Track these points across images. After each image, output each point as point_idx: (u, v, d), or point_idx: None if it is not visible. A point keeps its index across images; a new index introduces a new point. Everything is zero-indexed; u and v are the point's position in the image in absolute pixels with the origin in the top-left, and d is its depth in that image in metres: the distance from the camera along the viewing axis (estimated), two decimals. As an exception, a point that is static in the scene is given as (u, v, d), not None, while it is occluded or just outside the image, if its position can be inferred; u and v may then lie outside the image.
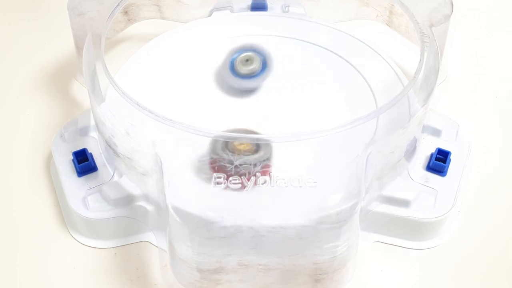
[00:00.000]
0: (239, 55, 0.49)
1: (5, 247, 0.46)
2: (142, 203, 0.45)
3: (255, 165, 0.42)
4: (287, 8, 0.57)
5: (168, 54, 0.52)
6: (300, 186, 0.41)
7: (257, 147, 0.42)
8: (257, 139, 0.42)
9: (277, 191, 0.41)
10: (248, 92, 0.49)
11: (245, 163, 0.41)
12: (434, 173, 0.47)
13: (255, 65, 0.49)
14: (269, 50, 0.50)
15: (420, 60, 0.45)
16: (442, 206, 0.46)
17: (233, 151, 0.42)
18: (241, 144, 0.42)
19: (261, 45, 0.50)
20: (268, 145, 0.42)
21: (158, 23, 0.56)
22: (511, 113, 0.55)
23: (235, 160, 0.41)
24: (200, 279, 0.42)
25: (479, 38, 0.62)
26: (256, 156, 0.42)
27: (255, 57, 0.49)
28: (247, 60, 0.49)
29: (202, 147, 0.43)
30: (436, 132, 0.49)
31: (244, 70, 0.49)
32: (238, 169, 0.41)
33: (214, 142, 0.42)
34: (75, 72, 0.56)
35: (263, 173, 0.42)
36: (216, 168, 0.42)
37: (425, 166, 0.47)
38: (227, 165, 0.41)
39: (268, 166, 0.42)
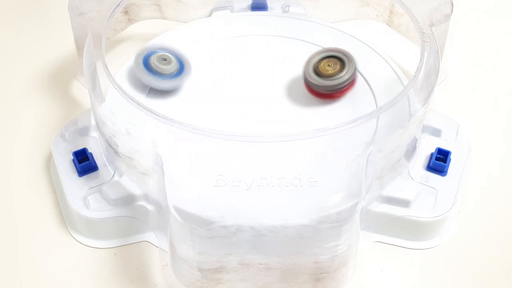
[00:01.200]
0: (155, 53, 0.48)
1: (5, 247, 0.46)
2: (142, 202, 0.45)
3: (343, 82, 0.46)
4: (287, 8, 0.57)
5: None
6: (301, 186, 0.41)
7: (341, 65, 0.46)
8: (256, 140, 0.42)
9: (277, 191, 0.41)
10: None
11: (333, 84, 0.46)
12: (434, 172, 0.47)
13: (172, 66, 0.47)
14: (185, 54, 0.48)
15: (420, 59, 0.45)
16: (442, 205, 0.46)
17: (321, 73, 0.46)
18: (328, 66, 0.46)
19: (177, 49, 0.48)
20: (351, 60, 0.46)
21: (158, 23, 0.57)
22: (511, 113, 0.55)
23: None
24: (201, 278, 0.42)
25: (479, 38, 0.62)
26: (342, 74, 0.46)
27: (172, 59, 0.47)
28: (164, 59, 0.47)
29: (203, 146, 0.43)
30: (436, 132, 0.49)
31: (161, 69, 0.47)
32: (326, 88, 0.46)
33: (306, 67, 0.47)
34: (75, 72, 0.56)
35: (349, 87, 0.47)
36: (311, 90, 0.47)
37: (425, 166, 0.47)
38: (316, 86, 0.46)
39: (354, 80, 0.47)
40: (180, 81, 0.48)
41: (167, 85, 0.48)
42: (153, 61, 0.47)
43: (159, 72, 0.47)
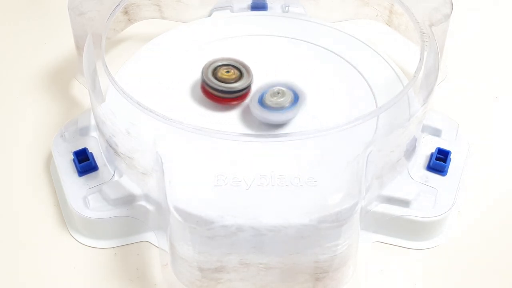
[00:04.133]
0: (269, 89, 0.46)
1: (6, 247, 0.46)
2: (142, 202, 0.45)
3: (238, 91, 0.47)
4: (287, 8, 0.57)
5: (168, 54, 0.52)
6: (301, 185, 0.41)
7: (240, 75, 0.47)
8: (256, 140, 0.42)
9: (277, 190, 0.41)
10: (276, 126, 0.47)
11: (229, 90, 0.47)
12: (434, 172, 0.47)
13: (286, 98, 0.46)
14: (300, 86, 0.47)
15: (420, 59, 0.45)
16: (442, 205, 0.46)
17: (219, 78, 0.47)
18: (226, 72, 0.47)
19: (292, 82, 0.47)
20: (249, 73, 0.47)
21: (158, 23, 0.57)
22: (511, 113, 0.55)
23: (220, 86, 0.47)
24: (201, 278, 0.42)
25: (479, 38, 0.62)
26: (239, 83, 0.47)
27: (286, 91, 0.46)
28: (278, 93, 0.46)
29: (203, 146, 0.43)
30: (436, 132, 0.49)
31: (273, 103, 0.46)
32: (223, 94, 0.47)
33: (205, 69, 0.47)
34: (75, 72, 0.56)
35: (243, 97, 0.47)
36: (206, 92, 0.47)
37: (425, 166, 0.47)
38: (214, 91, 0.47)
39: (248, 92, 0.47)
40: (297, 110, 0.46)
41: (285, 117, 0.46)
42: (268, 98, 0.46)
43: (276, 107, 0.46)
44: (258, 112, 0.46)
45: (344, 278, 0.43)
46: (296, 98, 0.46)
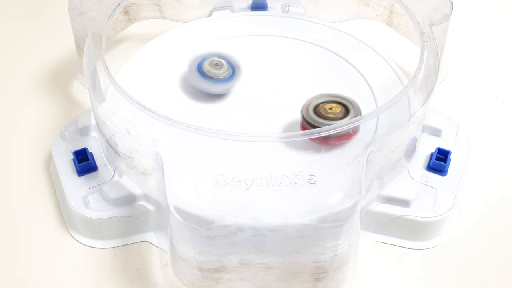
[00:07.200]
0: (208, 59, 0.49)
1: (5, 247, 0.46)
2: (142, 202, 0.45)
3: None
4: (287, 8, 0.57)
5: (168, 54, 0.52)
6: (301, 185, 0.41)
7: (345, 111, 0.44)
8: (256, 140, 0.42)
9: (278, 190, 0.41)
10: (216, 96, 0.49)
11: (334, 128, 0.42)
12: (434, 172, 0.47)
13: (224, 70, 0.48)
14: (237, 58, 0.49)
15: (420, 59, 0.45)
16: (442, 205, 0.46)
17: (322, 115, 0.44)
18: (330, 108, 0.44)
19: (230, 54, 0.50)
20: (355, 107, 0.44)
21: (158, 23, 0.57)
22: (511, 113, 0.55)
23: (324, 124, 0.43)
24: (201, 278, 0.42)
25: (479, 38, 0.62)
26: (344, 120, 0.43)
27: (224, 63, 0.49)
28: (216, 64, 0.49)
29: (203, 146, 0.43)
30: (436, 132, 0.49)
31: (212, 74, 0.48)
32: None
33: (306, 107, 0.44)
34: (75, 72, 0.56)
35: (348, 137, 0.43)
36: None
37: (425, 166, 0.47)
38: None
39: (356, 130, 0.43)
40: (232, 85, 0.49)
41: (219, 88, 0.49)
42: (206, 66, 0.48)
43: (212, 77, 0.48)
44: (197, 80, 0.48)
45: (344, 278, 0.43)
46: (233, 71, 0.49)
